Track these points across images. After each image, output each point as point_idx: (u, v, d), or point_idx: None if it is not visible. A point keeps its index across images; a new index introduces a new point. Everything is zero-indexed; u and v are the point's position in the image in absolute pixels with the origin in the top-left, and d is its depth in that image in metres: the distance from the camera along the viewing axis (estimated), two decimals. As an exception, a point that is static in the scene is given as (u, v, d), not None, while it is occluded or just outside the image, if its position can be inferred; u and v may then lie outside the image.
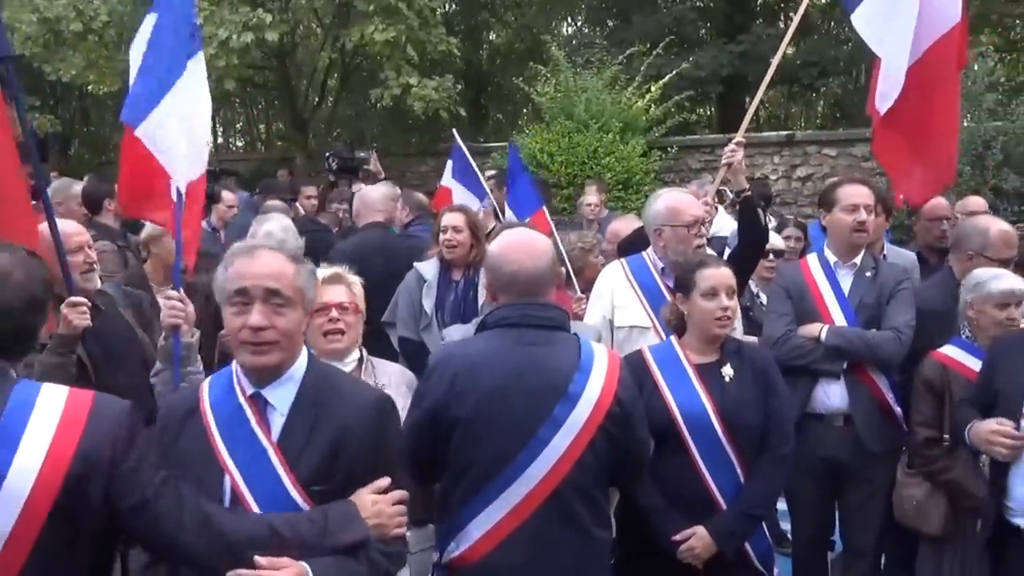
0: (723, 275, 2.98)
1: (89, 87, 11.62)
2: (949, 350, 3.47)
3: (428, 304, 4.33)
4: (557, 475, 2.40)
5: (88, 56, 11.16)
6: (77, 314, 2.88)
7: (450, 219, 4.51)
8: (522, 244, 2.58)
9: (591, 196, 7.41)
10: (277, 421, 2.07)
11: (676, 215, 3.60)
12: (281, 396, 2.08)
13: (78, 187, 5.49)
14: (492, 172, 7.74)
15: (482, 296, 4.34)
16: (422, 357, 3.45)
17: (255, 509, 1.98)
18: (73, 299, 2.88)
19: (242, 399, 2.08)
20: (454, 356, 2.54)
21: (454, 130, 5.83)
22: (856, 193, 3.74)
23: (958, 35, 3.64)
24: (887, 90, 3.93)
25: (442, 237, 4.48)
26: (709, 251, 3.91)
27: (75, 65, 11.33)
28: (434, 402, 2.46)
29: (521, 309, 2.51)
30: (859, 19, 4.00)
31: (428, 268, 4.49)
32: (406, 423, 2.53)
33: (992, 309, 3.37)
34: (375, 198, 5.42)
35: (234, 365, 2.14)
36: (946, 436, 3.38)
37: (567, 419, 2.40)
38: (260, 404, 2.08)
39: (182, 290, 2.98)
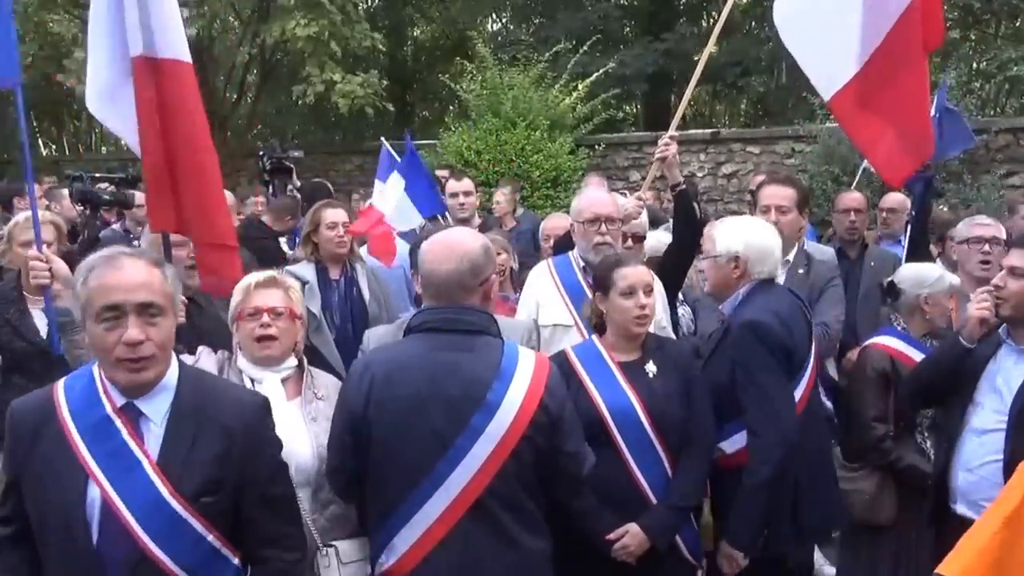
0: (640, 273, 2.96)
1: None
2: (891, 342, 3.52)
3: (315, 307, 4.13)
4: (478, 485, 2.30)
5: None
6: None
7: (335, 215, 4.33)
8: (443, 245, 2.46)
9: (497, 195, 7.16)
10: (153, 431, 2.03)
11: (578, 212, 3.61)
12: (155, 407, 2.04)
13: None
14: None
15: (367, 294, 4.32)
16: (315, 362, 3.28)
17: (129, 519, 1.97)
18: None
19: (110, 411, 2.02)
20: (373, 363, 2.43)
21: (382, 138, 5.57)
22: (770, 194, 3.84)
23: (918, 12, 3.66)
24: (827, 78, 3.93)
25: (329, 234, 4.29)
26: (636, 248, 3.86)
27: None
28: (352, 412, 2.37)
29: (442, 313, 2.41)
30: (778, 15, 4.00)
31: (305, 271, 4.27)
32: (330, 435, 2.46)
33: (946, 300, 3.54)
34: None
35: (96, 373, 2.05)
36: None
37: (486, 428, 2.30)
38: (132, 414, 2.04)
39: (46, 249, 2.82)
